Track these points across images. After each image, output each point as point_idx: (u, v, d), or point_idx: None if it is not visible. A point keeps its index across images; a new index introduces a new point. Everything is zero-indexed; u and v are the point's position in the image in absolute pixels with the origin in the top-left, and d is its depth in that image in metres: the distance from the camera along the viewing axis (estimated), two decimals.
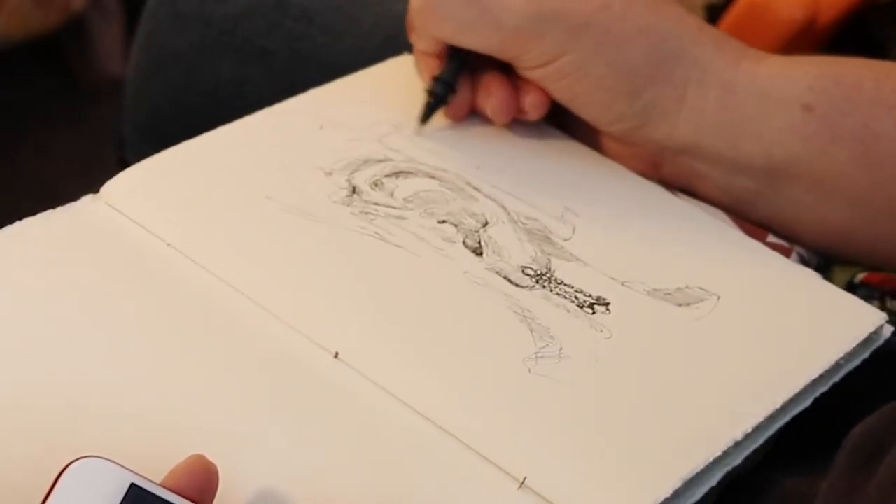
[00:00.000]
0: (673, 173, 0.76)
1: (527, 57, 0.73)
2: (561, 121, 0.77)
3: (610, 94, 0.73)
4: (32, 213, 0.66)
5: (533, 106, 0.75)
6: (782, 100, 0.72)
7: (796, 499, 0.63)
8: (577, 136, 0.77)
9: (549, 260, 0.69)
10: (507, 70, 0.76)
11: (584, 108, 0.74)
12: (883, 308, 0.72)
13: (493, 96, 0.75)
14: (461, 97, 0.76)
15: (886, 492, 0.58)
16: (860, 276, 0.75)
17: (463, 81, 0.76)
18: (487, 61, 0.75)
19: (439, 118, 0.77)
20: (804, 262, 0.74)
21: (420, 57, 0.77)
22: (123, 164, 0.70)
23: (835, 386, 0.66)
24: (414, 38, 0.76)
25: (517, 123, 0.77)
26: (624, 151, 0.76)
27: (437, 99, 0.76)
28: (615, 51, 0.72)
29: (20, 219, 0.66)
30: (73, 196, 0.68)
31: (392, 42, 0.83)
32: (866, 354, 0.68)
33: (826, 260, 0.76)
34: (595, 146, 0.77)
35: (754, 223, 0.75)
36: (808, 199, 0.74)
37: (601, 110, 0.74)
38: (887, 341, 0.69)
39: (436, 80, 0.76)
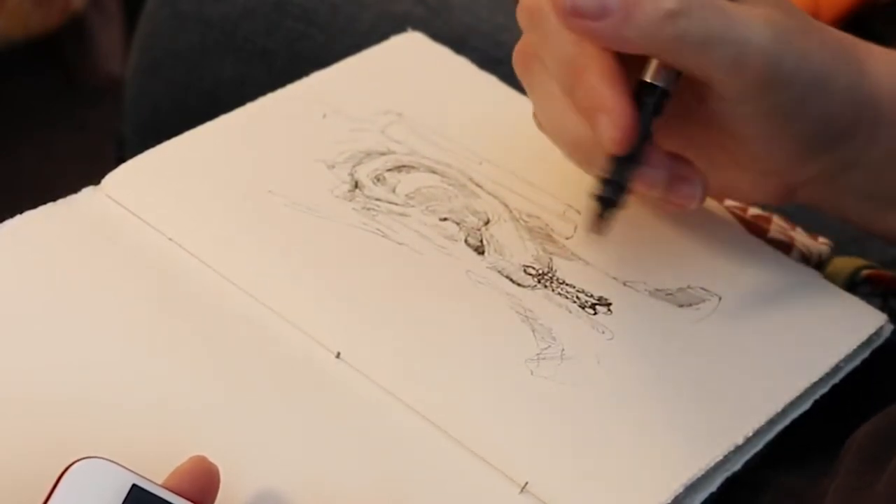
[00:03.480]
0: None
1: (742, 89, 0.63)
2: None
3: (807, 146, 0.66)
4: None
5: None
6: None
7: (796, 497, 0.63)
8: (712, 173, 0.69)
9: (551, 259, 0.69)
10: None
11: (773, 155, 0.66)
12: (884, 306, 0.72)
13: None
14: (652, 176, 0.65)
15: None
16: (864, 273, 0.75)
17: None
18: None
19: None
20: (805, 258, 0.74)
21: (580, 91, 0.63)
22: None
23: (834, 385, 0.66)
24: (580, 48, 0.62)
25: (517, 124, 0.77)
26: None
27: (608, 204, 0.63)
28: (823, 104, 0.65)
29: None
30: None
31: None
32: (866, 355, 0.68)
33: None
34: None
35: None
36: None
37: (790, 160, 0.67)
38: (886, 340, 0.69)
39: (605, 182, 0.62)
